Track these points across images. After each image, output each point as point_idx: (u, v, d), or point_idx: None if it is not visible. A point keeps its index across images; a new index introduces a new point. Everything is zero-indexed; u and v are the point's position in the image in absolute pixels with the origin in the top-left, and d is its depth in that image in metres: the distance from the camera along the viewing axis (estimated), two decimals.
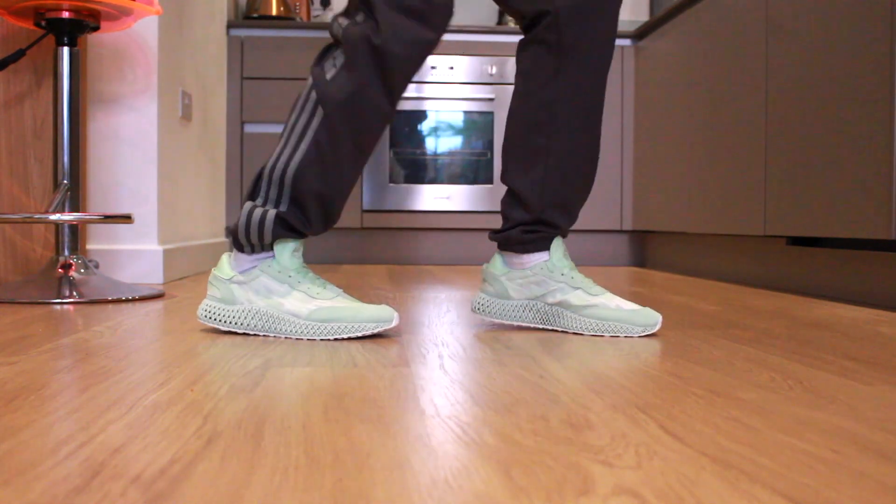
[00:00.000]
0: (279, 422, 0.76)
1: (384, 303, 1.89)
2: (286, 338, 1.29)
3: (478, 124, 3.48)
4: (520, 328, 1.43)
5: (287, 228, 1.30)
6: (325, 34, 3.47)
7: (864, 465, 0.65)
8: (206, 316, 1.33)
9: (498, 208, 3.49)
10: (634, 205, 3.48)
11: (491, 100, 3.48)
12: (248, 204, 1.32)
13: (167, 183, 2.49)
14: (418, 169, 3.47)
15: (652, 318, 1.35)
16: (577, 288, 1.38)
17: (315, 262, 3.49)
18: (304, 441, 0.70)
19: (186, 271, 2.64)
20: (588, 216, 3.51)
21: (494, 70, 3.50)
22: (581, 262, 3.59)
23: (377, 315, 1.29)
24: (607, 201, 3.51)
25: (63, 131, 1.92)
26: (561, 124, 1.38)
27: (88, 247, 2.34)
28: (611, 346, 1.25)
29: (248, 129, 3.43)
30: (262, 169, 1.32)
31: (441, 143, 3.48)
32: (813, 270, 2.20)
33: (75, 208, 1.93)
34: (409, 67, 1.27)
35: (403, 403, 0.85)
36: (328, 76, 1.28)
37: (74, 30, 1.90)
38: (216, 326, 1.33)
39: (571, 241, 3.58)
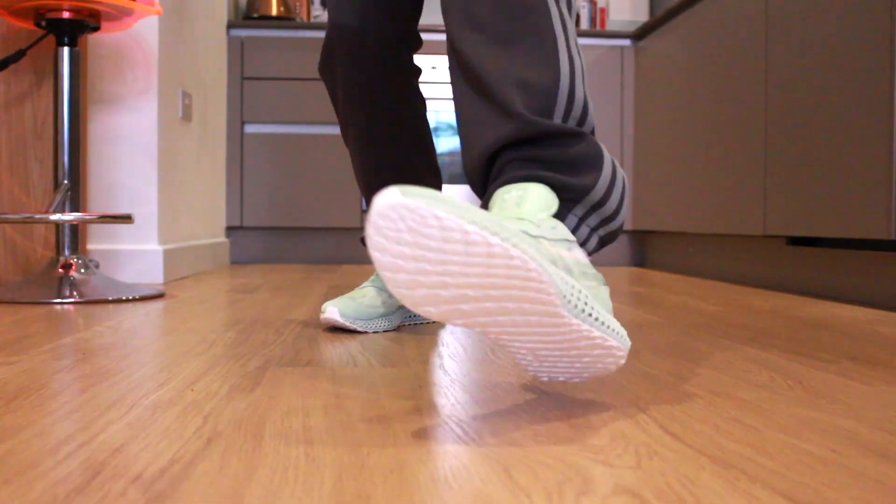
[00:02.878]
0: (279, 422, 0.76)
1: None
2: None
3: None
4: None
5: None
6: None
7: (864, 464, 0.65)
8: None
9: None
10: (634, 205, 3.48)
11: None
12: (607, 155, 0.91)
13: (167, 183, 2.49)
14: None
15: None
16: None
17: (315, 262, 3.49)
18: (304, 441, 0.70)
19: (187, 271, 2.64)
20: None
21: None
22: None
23: None
24: None
25: (63, 131, 1.92)
26: None
27: (89, 247, 2.35)
28: None
29: (248, 129, 3.43)
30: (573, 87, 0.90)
31: (441, 142, 3.48)
32: (813, 270, 2.20)
33: (75, 208, 1.93)
34: None
35: (403, 403, 0.85)
36: None
37: (75, 30, 1.90)
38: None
39: None
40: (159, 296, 1.94)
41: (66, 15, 1.87)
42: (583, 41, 3.50)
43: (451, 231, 0.63)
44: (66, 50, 1.91)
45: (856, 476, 0.62)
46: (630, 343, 0.81)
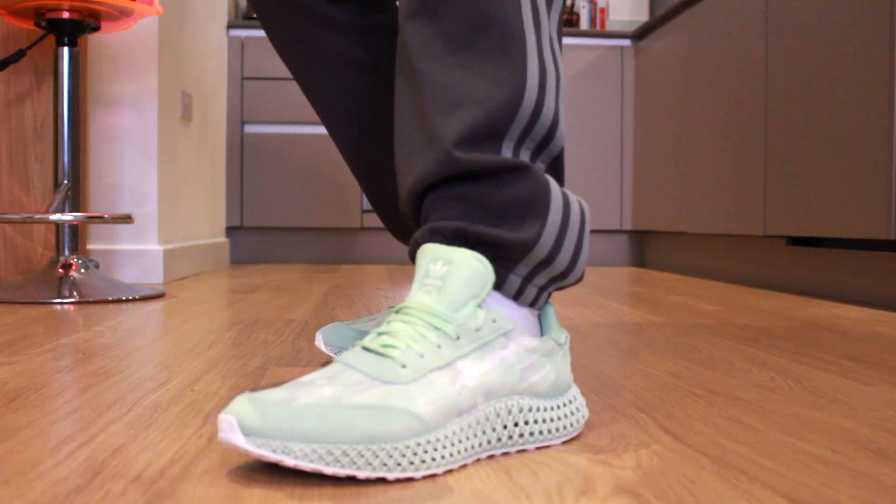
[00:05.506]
0: None
1: (383, 308, 1.88)
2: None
3: None
4: None
5: None
6: None
7: (864, 464, 0.65)
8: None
9: None
10: (634, 205, 3.48)
11: None
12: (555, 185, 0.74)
13: (167, 183, 2.49)
14: None
15: None
16: None
17: (315, 263, 3.49)
18: None
19: (187, 271, 2.64)
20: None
21: None
22: None
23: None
24: (607, 201, 3.51)
25: (63, 131, 1.92)
26: None
27: (89, 247, 2.35)
28: (610, 346, 1.25)
29: (248, 129, 3.43)
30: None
31: None
32: (813, 270, 2.20)
33: (76, 208, 1.93)
34: None
35: None
36: None
37: (75, 30, 1.90)
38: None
39: None
40: (159, 296, 1.94)
41: (66, 15, 1.87)
42: (583, 41, 3.50)
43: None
44: (66, 50, 1.91)
45: (856, 476, 0.62)
46: (586, 413, 0.73)
